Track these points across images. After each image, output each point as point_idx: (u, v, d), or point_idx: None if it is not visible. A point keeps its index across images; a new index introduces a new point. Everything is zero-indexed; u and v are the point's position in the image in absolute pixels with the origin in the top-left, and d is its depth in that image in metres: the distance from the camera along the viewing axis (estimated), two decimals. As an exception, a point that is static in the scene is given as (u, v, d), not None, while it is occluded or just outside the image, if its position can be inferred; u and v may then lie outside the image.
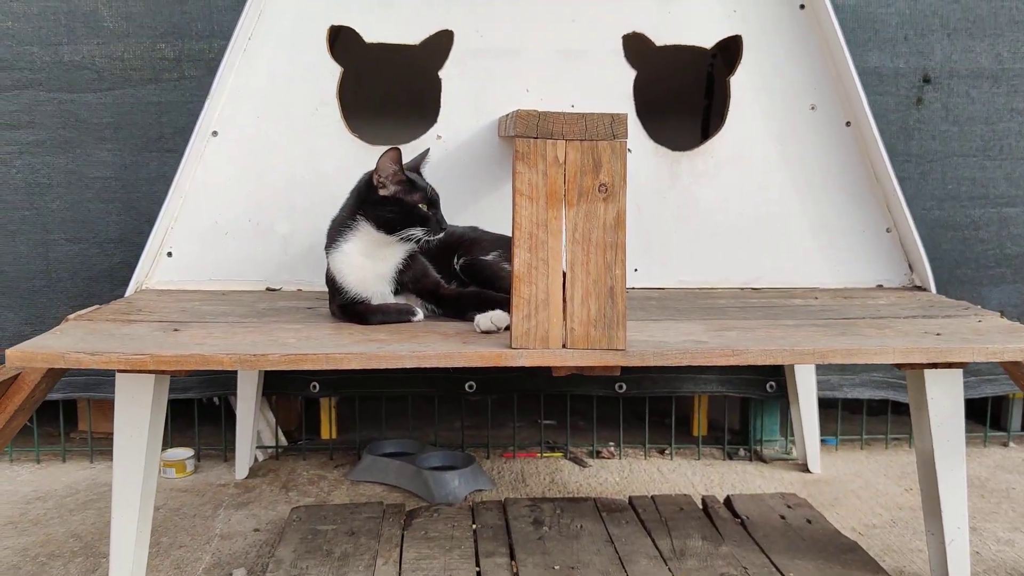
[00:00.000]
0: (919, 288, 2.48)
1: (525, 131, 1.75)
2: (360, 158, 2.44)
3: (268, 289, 2.47)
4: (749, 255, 2.53)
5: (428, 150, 2.16)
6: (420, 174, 2.06)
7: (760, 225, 2.52)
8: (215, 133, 2.43)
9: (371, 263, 2.01)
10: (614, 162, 1.76)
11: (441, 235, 2.03)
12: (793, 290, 2.50)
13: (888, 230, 2.51)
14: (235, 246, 2.46)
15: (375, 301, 2.06)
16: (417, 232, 1.95)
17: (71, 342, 1.77)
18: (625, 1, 2.44)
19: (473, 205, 2.47)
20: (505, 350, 1.77)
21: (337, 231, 2.09)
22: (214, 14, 2.82)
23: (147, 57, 2.75)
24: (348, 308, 2.06)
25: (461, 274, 2.19)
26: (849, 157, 2.49)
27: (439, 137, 2.46)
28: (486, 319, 1.93)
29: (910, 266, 2.51)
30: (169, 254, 2.45)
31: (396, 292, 2.10)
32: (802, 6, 2.47)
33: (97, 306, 2.20)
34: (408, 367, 1.76)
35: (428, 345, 1.79)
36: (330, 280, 2.11)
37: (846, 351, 1.81)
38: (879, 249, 2.51)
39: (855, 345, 1.82)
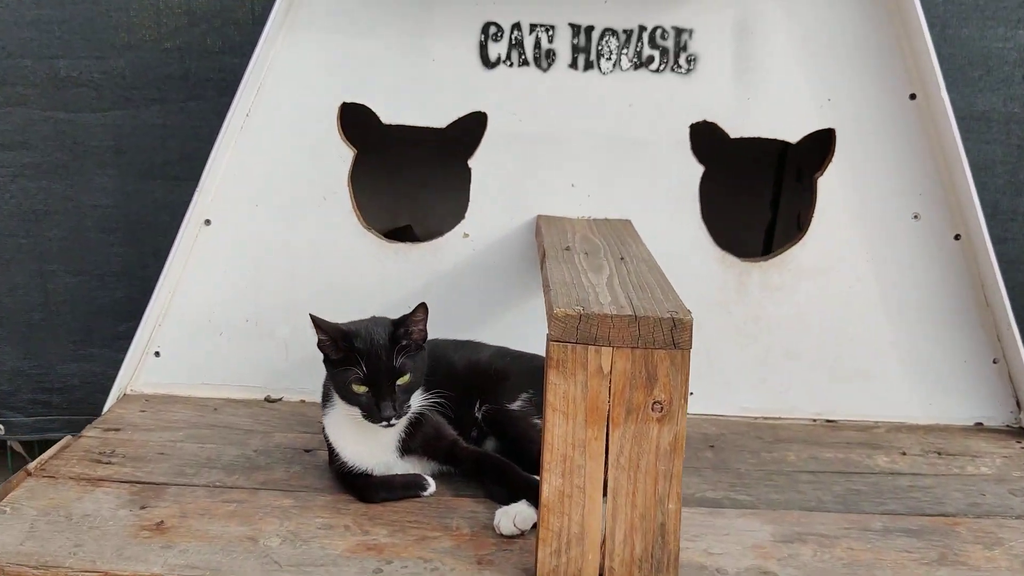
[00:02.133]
0: (1025, 431, 2.10)
1: (562, 335, 1.39)
2: (374, 255, 2.10)
3: (267, 400, 2.16)
4: (825, 382, 2.15)
5: (423, 305, 1.68)
6: (406, 329, 1.66)
7: (841, 348, 2.13)
8: (208, 222, 2.09)
9: (369, 432, 1.68)
10: (673, 376, 1.39)
11: (386, 423, 1.64)
12: (875, 428, 2.13)
13: (995, 361, 2.10)
14: (230, 348, 2.15)
15: (378, 472, 1.74)
16: (357, 413, 1.64)
17: (10, 541, 1.51)
18: (696, 84, 2.01)
19: (503, 317, 2.12)
20: (526, 590, 1.45)
21: (328, 386, 1.76)
22: (226, 27, 2.45)
23: (151, 75, 2.47)
24: (346, 480, 1.74)
25: (483, 424, 1.85)
26: (955, 275, 2.08)
27: (466, 235, 2.10)
28: (508, 521, 1.60)
29: (1017, 403, 2.11)
30: (157, 354, 2.15)
31: (404, 455, 1.78)
32: (912, 96, 2.01)
33: (70, 437, 1.91)
34: (409, 600, 1.45)
35: (437, 563, 1.48)
36: (327, 441, 1.79)
37: (947, 608, 1.46)
38: (981, 382, 2.12)
39: (959, 600, 1.47)
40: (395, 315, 1.69)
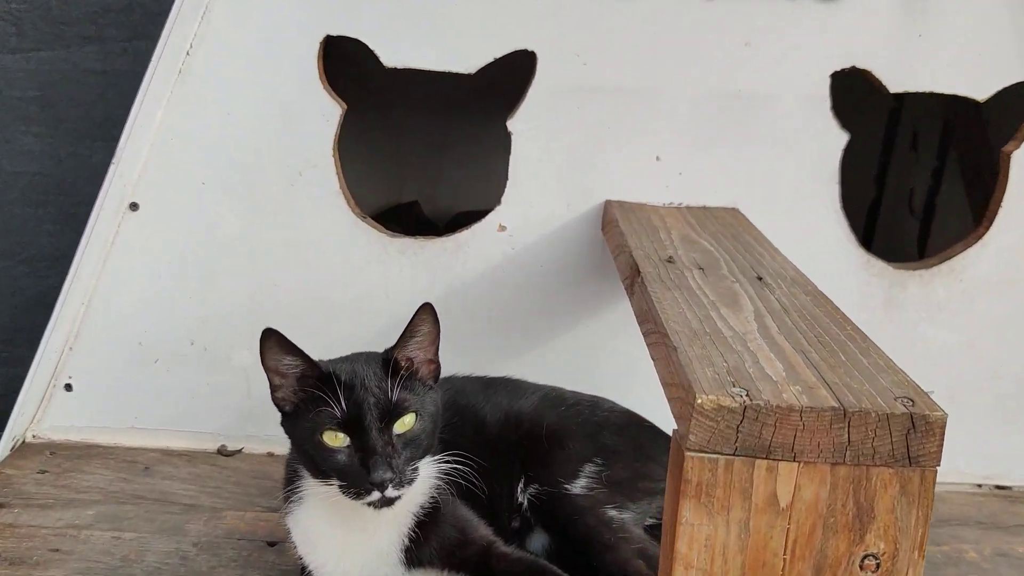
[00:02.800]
0: None
1: (710, 441, 0.77)
2: (370, 254, 1.50)
3: (221, 452, 1.56)
4: (1000, 435, 1.54)
5: (428, 308, 1.13)
6: (405, 352, 1.14)
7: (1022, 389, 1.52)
8: (134, 206, 1.47)
9: (356, 530, 1.16)
10: (903, 513, 0.79)
11: (380, 496, 1.07)
12: (1065, 499, 1.52)
13: None
14: (169, 380, 1.56)
15: None
16: (334, 492, 1.09)
17: None
18: (845, 14, 1.37)
19: (552, 345, 1.51)
20: None
21: (289, 472, 1.21)
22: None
23: (86, 6, 2.00)
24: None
25: (529, 512, 1.25)
26: None
27: (502, 228, 1.48)
28: None
29: None
30: (68, 387, 1.54)
31: (411, 567, 1.17)
32: None
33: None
34: None
35: None
36: (294, 551, 1.19)
37: None
38: None
39: None
40: None
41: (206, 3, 1.40)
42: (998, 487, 1.58)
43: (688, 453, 0.78)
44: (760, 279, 1.10)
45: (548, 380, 1.44)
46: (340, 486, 1.08)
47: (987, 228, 1.47)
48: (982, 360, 1.52)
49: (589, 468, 1.29)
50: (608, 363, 1.51)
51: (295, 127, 1.45)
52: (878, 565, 0.80)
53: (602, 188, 1.46)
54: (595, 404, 1.41)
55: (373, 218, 1.54)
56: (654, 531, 1.30)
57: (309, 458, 1.11)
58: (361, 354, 1.18)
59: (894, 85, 1.42)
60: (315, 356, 1.11)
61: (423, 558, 1.19)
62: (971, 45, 1.40)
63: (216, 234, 1.50)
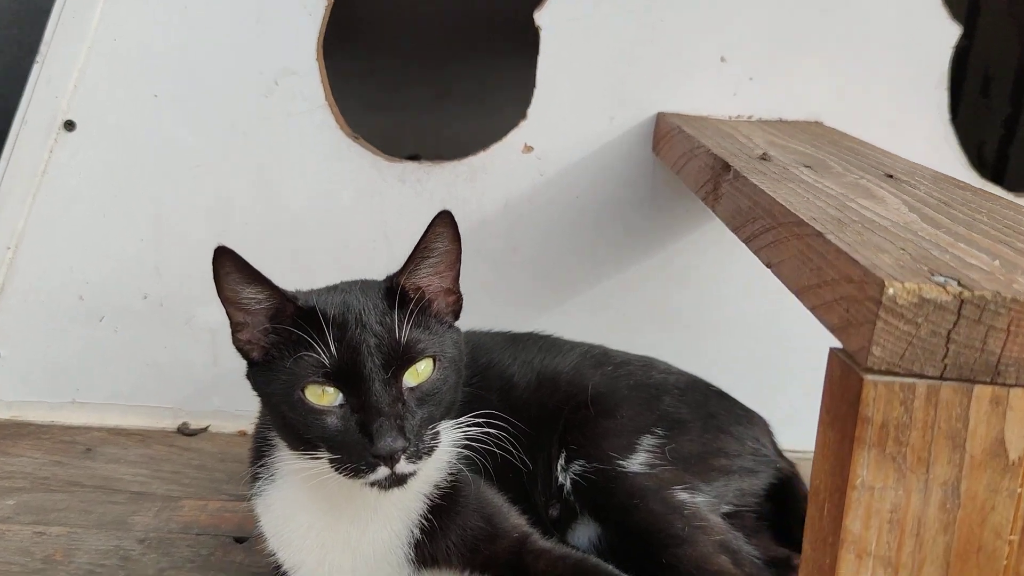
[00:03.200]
0: None
1: (904, 356, 0.49)
2: (368, 185, 1.21)
3: (182, 430, 1.27)
4: None
5: (446, 216, 0.83)
6: (414, 278, 0.86)
7: None
8: (69, 125, 1.18)
9: (342, 526, 0.90)
10: None
11: (388, 472, 0.79)
12: None
13: None
14: (118, 344, 1.26)
15: None
16: (322, 469, 0.82)
17: None
18: None
19: (589, 292, 1.23)
20: None
21: (258, 441, 0.93)
22: None
23: None
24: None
25: (573, 495, 0.96)
26: None
27: (528, 148, 1.20)
28: None
29: None
30: (-6, 352, 1.25)
31: (423, 567, 0.88)
32: None
33: None
34: None
35: None
36: (266, 545, 0.90)
37: None
38: None
39: None
40: None
41: None
42: None
43: (868, 377, 0.49)
44: (891, 176, 0.82)
45: (585, 338, 1.16)
46: (332, 461, 0.80)
47: None
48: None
49: (648, 441, 1.02)
50: (661, 319, 1.23)
51: (270, 25, 1.18)
52: None
53: (652, 98, 1.19)
54: (648, 364, 1.13)
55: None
56: (732, 521, 1.02)
57: (287, 423, 0.82)
58: (354, 282, 0.89)
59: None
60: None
61: (438, 555, 0.90)
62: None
63: (172, 160, 1.22)
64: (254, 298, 0.82)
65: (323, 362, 0.79)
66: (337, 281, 0.90)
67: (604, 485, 0.99)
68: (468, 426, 0.87)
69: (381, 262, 1.21)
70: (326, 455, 0.80)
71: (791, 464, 1.13)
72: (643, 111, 1.18)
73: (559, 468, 1.02)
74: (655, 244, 1.22)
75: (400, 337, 0.81)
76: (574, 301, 1.24)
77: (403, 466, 0.79)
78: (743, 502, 1.05)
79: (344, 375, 0.79)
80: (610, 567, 0.92)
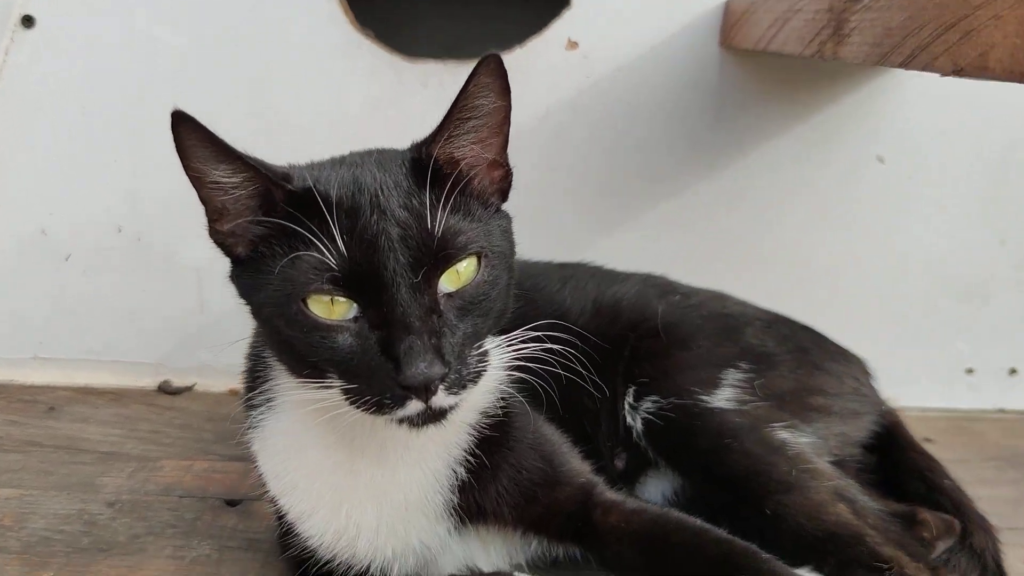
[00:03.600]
0: None
1: None
2: (384, 90, 1.05)
3: (163, 388, 1.07)
4: None
5: (494, 61, 0.65)
6: (452, 147, 0.67)
7: None
8: (28, 21, 0.99)
9: (361, 467, 0.70)
10: None
11: (424, 406, 0.60)
12: None
13: None
14: (89, 288, 1.06)
15: (396, 570, 0.69)
16: (331, 395, 0.62)
17: None
18: None
19: (645, 215, 1.05)
20: None
21: (252, 362, 0.74)
22: None
23: None
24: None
25: (644, 436, 0.80)
26: None
27: (573, 45, 1.02)
28: None
29: None
30: (-59, 299, 1.06)
31: (466, 523, 0.67)
32: None
33: None
34: None
35: None
36: (267, 491, 0.70)
37: None
38: None
39: None
40: None
41: None
42: None
43: None
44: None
45: (651, 244, 1.01)
46: (346, 392, 0.62)
47: None
48: None
49: (733, 375, 0.84)
50: (730, 253, 1.04)
51: None
52: None
53: None
54: (721, 296, 0.95)
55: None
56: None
57: (285, 342, 0.64)
58: (367, 152, 0.70)
59: None
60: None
61: (486, 503, 0.71)
62: None
63: (151, 61, 1.03)
64: (229, 180, 0.62)
65: (329, 263, 0.60)
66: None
67: (686, 424, 0.80)
68: (524, 341, 0.68)
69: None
70: (338, 384, 0.62)
71: (895, 413, 0.94)
72: (705, 1, 1.01)
73: (627, 407, 0.83)
74: (722, 160, 1.04)
75: (434, 226, 0.62)
76: (624, 230, 1.06)
77: (441, 398, 0.60)
78: (845, 451, 0.87)
79: (358, 280, 0.60)
80: (698, 520, 0.74)
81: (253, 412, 0.71)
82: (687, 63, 1.03)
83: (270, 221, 0.62)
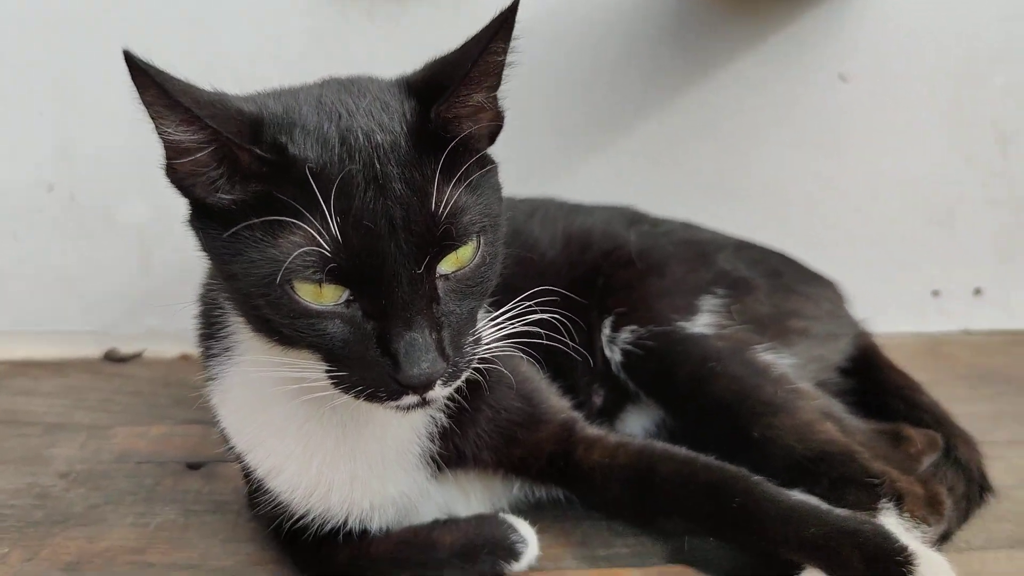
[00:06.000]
0: None
1: None
2: (327, 27, 1.00)
3: (109, 357, 1.02)
4: None
5: (511, 15, 0.56)
6: (456, 98, 0.58)
7: None
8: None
9: (336, 417, 0.65)
10: None
11: (419, 398, 0.56)
12: None
13: None
14: (22, 252, 1.00)
15: (376, 521, 0.66)
16: (315, 376, 0.57)
17: None
18: None
19: (622, 139, 1.01)
20: None
21: (207, 303, 0.68)
22: None
23: None
24: (300, 548, 0.61)
25: (623, 368, 0.78)
26: None
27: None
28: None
29: None
30: None
31: (444, 469, 0.64)
32: None
33: None
34: None
35: None
36: (229, 446, 0.65)
37: None
38: None
39: None
40: None
41: None
42: None
43: None
44: None
45: (628, 181, 1.00)
46: (333, 377, 0.56)
47: None
48: None
49: (710, 301, 0.81)
50: (702, 178, 1.02)
51: None
52: None
53: None
54: (688, 225, 0.92)
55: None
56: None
57: (261, 317, 0.57)
58: (350, 85, 0.61)
59: None
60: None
61: (465, 447, 0.68)
62: None
63: (81, 7, 0.95)
64: (187, 139, 0.53)
65: (321, 250, 0.52)
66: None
67: (667, 351, 0.77)
68: (513, 316, 0.62)
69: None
70: (323, 365, 0.56)
71: (870, 334, 0.93)
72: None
73: (604, 339, 0.81)
74: (687, 87, 1.01)
75: (439, 209, 0.55)
76: (598, 163, 1.03)
77: (438, 391, 0.55)
78: (824, 374, 0.86)
79: (355, 269, 0.53)
80: (683, 449, 0.71)
81: (210, 362, 0.66)
82: None
83: (246, 182, 0.54)
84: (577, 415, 0.74)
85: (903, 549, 0.61)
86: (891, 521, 0.66)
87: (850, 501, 0.69)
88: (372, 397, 0.55)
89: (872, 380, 0.90)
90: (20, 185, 1.00)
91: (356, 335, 0.54)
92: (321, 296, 0.54)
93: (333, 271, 0.53)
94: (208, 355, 0.66)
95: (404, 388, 0.54)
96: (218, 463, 0.83)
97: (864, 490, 0.70)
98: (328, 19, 0.97)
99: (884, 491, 0.70)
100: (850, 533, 0.64)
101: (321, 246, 0.51)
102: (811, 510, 0.65)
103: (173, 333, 1.05)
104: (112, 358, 1.05)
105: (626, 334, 0.81)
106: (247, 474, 0.67)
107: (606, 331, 0.81)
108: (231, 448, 0.68)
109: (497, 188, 0.63)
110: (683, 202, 1.00)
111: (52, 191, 1.00)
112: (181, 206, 0.58)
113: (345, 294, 0.55)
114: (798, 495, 0.72)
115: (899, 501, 0.69)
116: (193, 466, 0.83)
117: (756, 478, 0.67)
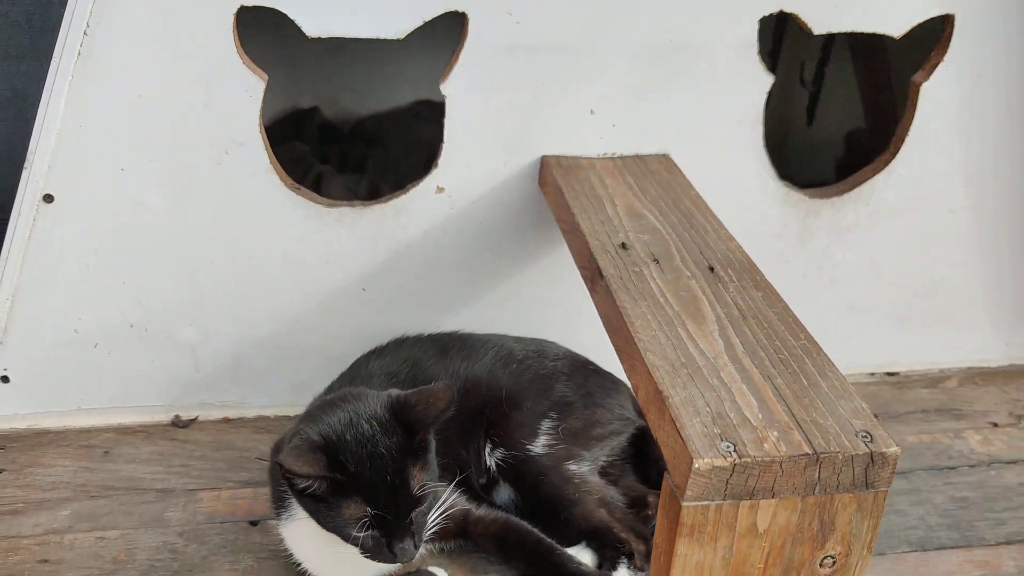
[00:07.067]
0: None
1: (703, 493, 0.87)
2: (309, 225, 1.48)
3: (176, 422, 1.58)
4: (892, 334, 1.73)
5: (453, 389, 1.15)
6: (420, 428, 1.13)
7: (917, 295, 1.70)
8: (48, 198, 1.38)
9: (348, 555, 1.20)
10: (858, 524, 0.92)
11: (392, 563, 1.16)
12: (944, 380, 1.76)
13: (1087, 292, 1.72)
14: (113, 362, 1.54)
15: None
16: (352, 550, 1.14)
17: None
18: (774, -40, 1.37)
19: (491, 289, 1.57)
20: None
21: (277, 484, 1.23)
22: None
23: None
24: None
25: (496, 471, 1.37)
26: (1066, 198, 1.63)
27: (440, 189, 1.48)
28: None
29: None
30: (4, 378, 1.50)
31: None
32: (1061, -33, 1.44)
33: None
34: None
35: None
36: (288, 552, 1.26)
37: None
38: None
39: None
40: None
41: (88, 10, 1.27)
42: (888, 374, 1.78)
43: (684, 504, 0.88)
44: (712, 270, 1.17)
45: (495, 327, 1.51)
46: (362, 554, 1.11)
47: (894, 155, 1.57)
48: (881, 275, 1.67)
49: (547, 424, 1.37)
50: (549, 307, 1.57)
51: (215, 104, 1.36)
52: (834, 562, 0.94)
53: (538, 143, 1.45)
54: (541, 354, 1.46)
55: (268, 128, 1.44)
56: (607, 472, 1.43)
57: (323, 520, 1.11)
58: (358, 402, 1.14)
59: (819, 27, 1.45)
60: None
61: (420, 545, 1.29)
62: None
63: (142, 218, 1.42)
64: (313, 472, 1.06)
65: (363, 517, 1.06)
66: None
67: (518, 466, 1.32)
68: (445, 500, 1.19)
69: (325, 283, 1.52)
70: (355, 550, 1.09)
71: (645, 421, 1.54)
72: (531, 154, 1.45)
73: (487, 454, 1.36)
74: (542, 254, 1.52)
75: (413, 492, 1.08)
76: (484, 300, 1.54)
77: (410, 558, 1.11)
78: (612, 456, 1.44)
79: (375, 519, 1.07)
80: (527, 524, 1.33)
81: (280, 515, 1.24)
82: (518, 195, 1.47)
83: (324, 482, 1.06)
84: (469, 506, 1.35)
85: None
86: (623, 571, 1.31)
87: (608, 556, 1.32)
88: (375, 558, 1.10)
89: (644, 453, 1.51)
90: (109, 324, 1.50)
91: (376, 543, 1.09)
92: (360, 531, 1.07)
93: (366, 524, 1.06)
94: (280, 511, 1.24)
95: (393, 557, 1.09)
96: (265, 520, 1.41)
97: (614, 550, 1.31)
98: (312, 225, 1.45)
99: (624, 551, 1.33)
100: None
101: (364, 513, 1.06)
102: (579, 567, 1.24)
103: (217, 404, 1.60)
104: (177, 424, 1.60)
105: (498, 453, 1.34)
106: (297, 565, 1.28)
107: (487, 450, 1.36)
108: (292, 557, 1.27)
109: (434, 450, 1.14)
110: (540, 315, 1.56)
111: (133, 327, 1.52)
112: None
113: (370, 526, 1.07)
114: (580, 550, 1.35)
115: (630, 557, 1.33)
116: (253, 523, 1.42)
117: (557, 547, 1.27)
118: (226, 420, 1.60)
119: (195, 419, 1.60)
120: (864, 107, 2.05)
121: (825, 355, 1.03)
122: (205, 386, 1.58)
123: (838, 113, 2.21)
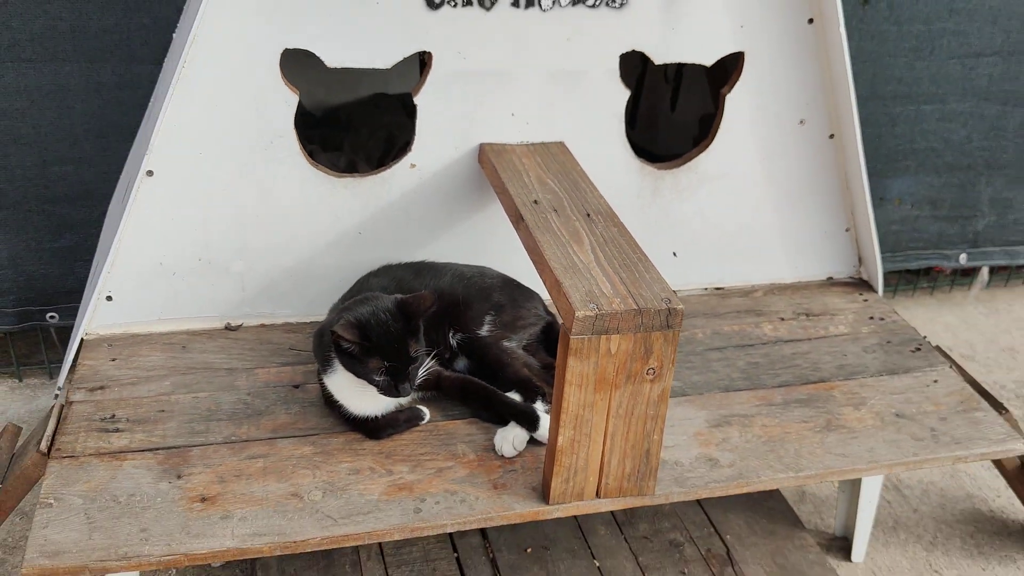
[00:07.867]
0: (864, 283, 2.63)
1: (581, 331, 1.65)
2: (323, 190, 2.17)
3: (227, 327, 2.28)
4: (716, 261, 2.55)
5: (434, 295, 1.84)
6: (416, 320, 1.79)
7: (730, 235, 2.52)
8: (150, 173, 2.05)
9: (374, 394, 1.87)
10: (665, 349, 1.71)
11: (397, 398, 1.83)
12: (755, 292, 2.58)
13: (847, 230, 2.58)
14: (184, 286, 2.20)
15: (382, 414, 2.00)
16: (372, 389, 1.79)
17: (79, 536, 1.65)
18: (628, 19, 2.13)
19: (450, 235, 2.30)
20: (542, 507, 1.82)
21: (325, 351, 1.86)
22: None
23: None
24: (353, 423, 1.97)
25: (457, 350, 2.12)
26: (826, 168, 2.47)
27: (413, 166, 2.20)
28: (508, 445, 1.92)
29: (860, 259, 2.63)
30: (109, 298, 2.17)
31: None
32: (811, 20, 2.26)
33: (59, 404, 1.97)
34: (451, 531, 1.80)
35: (469, 507, 1.78)
36: (328, 400, 1.98)
37: (840, 471, 1.99)
38: (835, 246, 2.60)
39: (848, 465, 2.00)
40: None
41: (193, 33, 1.94)
42: (716, 288, 2.60)
43: (572, 336, 1.65)
44: (588, 216, 1.95)
45: (452, 257, 2.24)
46: (379, 391, 1.73)
47: (711, 141, 2.37)
48: (707, 221, 2.47)
49: (488, 318, 2.02)
50: (488, 243, 2.31)
51: (266, 110, 2.05)
52: (654, 372, 1.73)
53: (478, 135, 2.15)
54: (482, 274, 2.13)
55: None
56: (527, 349, 2.20)
57: (357, 374, 1.74)
58: (379, 301, 1.78)
59: (658, 59, 2.23)
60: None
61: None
62: (702, 32, 2.22)
63: (211, 186, 2.11)
64: (356, 337, 1.69)
65: (383, 367, 1.68)
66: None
67: (470, 344, 1.93)
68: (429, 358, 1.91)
69: (333, 231, 2.22)
70: (374, 388, 1.72)
71: (552, 316, 2.32)
72: (473, 143, 2.18)
73: (450, 337, 1.98)
74: (484, 207, 2.26)
75: (411, 354, 1.70)
76: (442, 244, 2.26)
77: (411, 396, 1.84)
78: (530, 339, 2.11)
79: (389, 371, 1.67)
80: (478, 380, 2.08)
81: (324, 370, 1.95)
82: (465, 169, 2.21)
83: (359, 345, 1.69)
84: (442, 369, 2.07)
85: (538, 416, 2.04)
86: (539, 405, 2.06)
87: (530, 396, 1.97)
88: (389, 396, 1.72)
89: (549, 337, 2.27)
90: (184, 259, 2.16)
91: (387, 384, 1.73)
92: (380, 376, 1.68)
93: (384, 371, 1.66)
94: (325, 369, 1.96)
95: (400, 397, 1.75)
96: (305, 384, 2.10)
97: (534, 392, 1.97)
98: (326, 191, 2.16)
99: (540, 392, 2.03)
100: (522, 409, 2.04)
101: (383, 364, 1.69)
102: (512, 401, 2.03)
103: (256, 315, 2.27)
104: (229, 328, 2.28)
105: (457, 337, 1.95)
106: (333, 403, 1.98)
107: (450, 335, 1.95)
108: (332, 397, 1.94)
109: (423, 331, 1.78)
110: (485, 253, 2.33)
111: (200, 260, 2.20)
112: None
113: (385, 377, 1.68)
114: (513, 395, 2.12)
115: (544, 396, 2.07)
116: (296, 386, 2.12)
117: (498, 391, 2.01)
118: (263, 326, 2.29)
119: (240, 325, 2.29)
120: (712, 98, 2.86)
121: (651, 263, 1.81)
122: (248, 302, 2.25)
123: (694, 102, 3.01)
